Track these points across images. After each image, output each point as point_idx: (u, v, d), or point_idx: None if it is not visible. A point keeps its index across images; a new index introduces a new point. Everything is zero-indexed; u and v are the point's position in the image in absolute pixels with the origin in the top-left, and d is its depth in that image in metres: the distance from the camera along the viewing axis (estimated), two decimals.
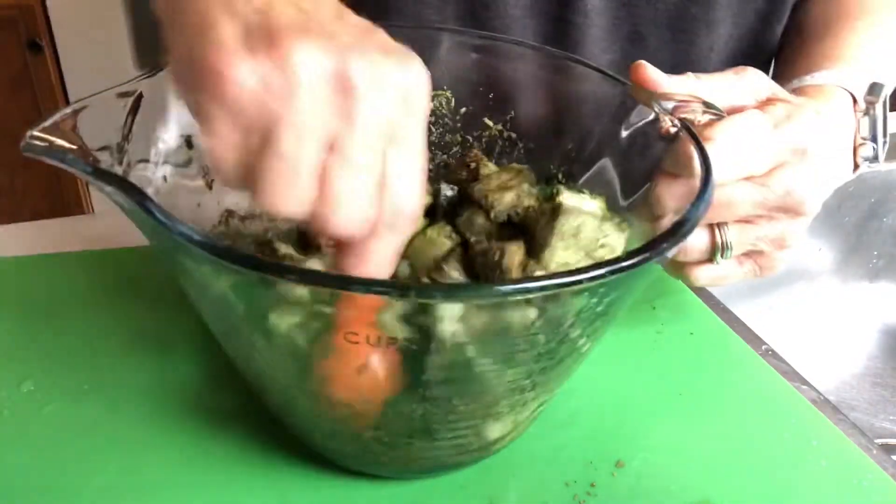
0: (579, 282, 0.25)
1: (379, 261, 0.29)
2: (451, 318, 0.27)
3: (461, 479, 0.38)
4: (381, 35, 0.29)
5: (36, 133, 0.29)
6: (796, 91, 0.49)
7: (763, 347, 0.50)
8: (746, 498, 0.38)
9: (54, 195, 1.71)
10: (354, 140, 0.27)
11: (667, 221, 0.37)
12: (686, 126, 0.37)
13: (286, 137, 0.26)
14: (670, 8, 0.59)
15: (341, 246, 0.29)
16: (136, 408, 0.40)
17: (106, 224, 0.56)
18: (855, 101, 0.48)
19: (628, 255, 0.27)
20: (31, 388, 0.41)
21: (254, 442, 0.39)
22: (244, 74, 0.25)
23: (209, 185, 0.41)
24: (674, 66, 0.62)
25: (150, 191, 0.34)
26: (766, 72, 0.66)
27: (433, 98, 0.47)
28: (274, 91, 0.25)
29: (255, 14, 0.26)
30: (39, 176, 1.68)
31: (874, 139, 0.47)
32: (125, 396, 0.41)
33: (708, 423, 0.43)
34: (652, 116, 0.39)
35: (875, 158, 0.47)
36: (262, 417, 0.39)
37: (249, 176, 0.27)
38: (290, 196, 0.26)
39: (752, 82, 0.43)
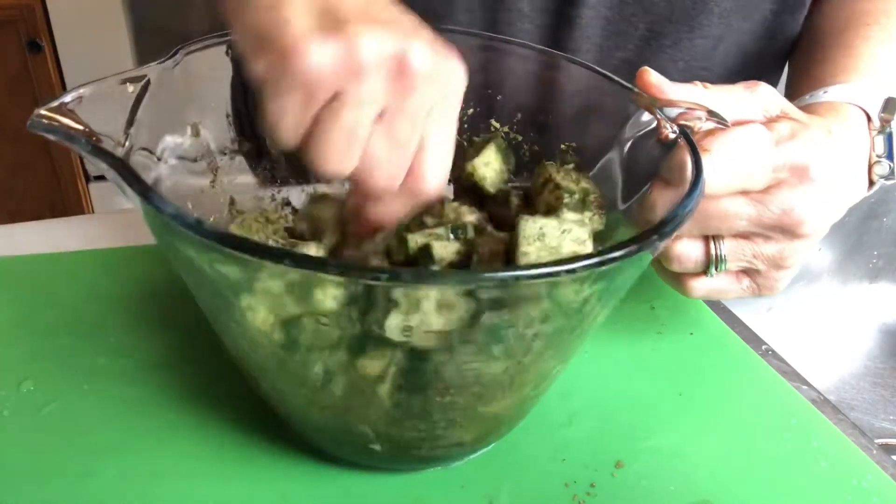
0: (556, 273, 0.25)
1: (395, 211, 0.35)
2: (430, 305, 0.27)
3: (460, 479, 0.38)
4: (426, 30, 0.33)
5: (42, 111, 0.30)
6: (809, 107, 0.48)
7: (763, 347, 0.50)
8: (746, 498, 0.38)
9: (54, 195, 1.71)
10: (402, 116, 0.31)
11: None
12: (684, 132, 0.37)
13: (348, 109, 0.30)
14: (684, 3, 0.58)
15: (367, 195, 0.34)
16: (135, 407, 0.40)
17: (106, 224, 0.56)
18: (869, 118, 0.47)
19: (608, 248, 0.27)
20: (31, 388, 0.41)
21: (253, 436, 0.39)
22: (316, 52, 0.29)
23: (214, 174, 0.41)
24: (686, 62, 0.61)
25: (152, 176, 0.35)
26: (781, 69, 0.65)
27: None
28: (341, 67, 0.29)
29: (322, 3, 0.30)
30: (39, 176, 1.68)
31: (890, 156, 0.47)
32: (125, 396, 0.41)
33: (708, 423, 0.43)
34: (653, 123, 0.39)
35: (891, 175, 0.47)
36: (262, 412, 0.39)
37: (304, 139, 0.31)
38: (342, 159, 0.31)
39: (762, 98, 0.42)
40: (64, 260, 0.51)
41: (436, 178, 0.34)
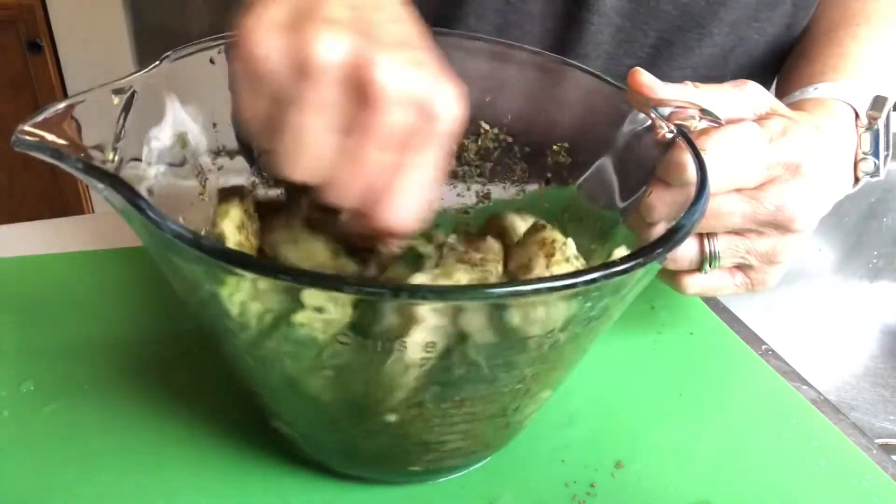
0: (573, 285, 0.25)
1: (367, 235, 0.32)
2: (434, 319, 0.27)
3: (460, 480, 0.38)
4: (423, 49, 0.30)
5: (27, 128, 0.28)
6: (798, 104, 0.49)
7: (763, 347, 0.50)
8: (746, 498, 0.38)
9: (54, 195, 1.71)
10: (366, 136, 0.29)
11: (659, 229, 0.38)
12: (683, 133, 0.37)
13: (295, 115, 0.28)
14: (695, 12, 0.58)
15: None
16: (136, 409, 0.40)
17: (106, 224, 0.56)
18: (857, 115, 0.47)
19: (623, 259, 0.27)
20: (31, 388, 0.41)
21: (253, 446, 0.39)
22: (268, 50, 0.27)
23: (203, 185, 0.41)
24: (695, 69, 0.61)
25: (142, 189, 0.34)
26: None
27: None
28: (292, 69, 0.27)
29: (305, 3, 0.28)
30: (39, 176, 1.68)
31: (875, 154, 0.47)
32: (125, 397, 0.41)
33: (708, 423, 0.43)
34: (648, 122, 0.39)
35: (876, 173, 0.47)
36: (262, 421, 0.39)
37: (269, 140, 0.30)
38: (293, 164, 0.29)
39: (751, 96, 0.43)
40: (64, 260, 0.51)
41: (402, 211, 0.30)
